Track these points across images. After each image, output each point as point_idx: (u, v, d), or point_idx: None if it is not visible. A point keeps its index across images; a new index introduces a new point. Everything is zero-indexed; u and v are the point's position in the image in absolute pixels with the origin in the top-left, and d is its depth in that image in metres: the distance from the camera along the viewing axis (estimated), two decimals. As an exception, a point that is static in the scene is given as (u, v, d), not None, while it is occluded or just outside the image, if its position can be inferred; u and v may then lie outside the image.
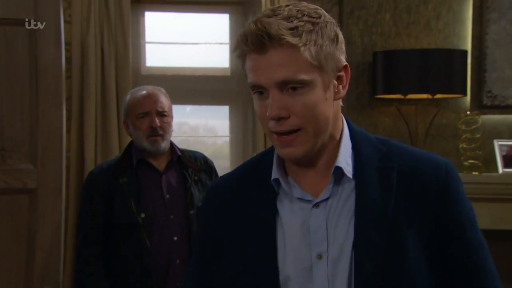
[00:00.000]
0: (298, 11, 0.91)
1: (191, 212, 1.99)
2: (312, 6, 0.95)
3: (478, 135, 2.82)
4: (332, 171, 0.96)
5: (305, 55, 0.90)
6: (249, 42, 0.91)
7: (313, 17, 0.92)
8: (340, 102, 0.99)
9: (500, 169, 2.81)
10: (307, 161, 0.96)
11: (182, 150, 2.10)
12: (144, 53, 3.05)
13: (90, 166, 2.71)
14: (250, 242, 0.97)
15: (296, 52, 0.90)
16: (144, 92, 2.03)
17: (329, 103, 0.94)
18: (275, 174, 0.98)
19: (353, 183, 0.96)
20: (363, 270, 0.91)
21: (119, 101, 2.76)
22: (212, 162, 2.18)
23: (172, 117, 2.07)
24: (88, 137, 2.72)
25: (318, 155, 0.96)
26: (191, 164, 2.07)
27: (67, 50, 2.68)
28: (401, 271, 0.92)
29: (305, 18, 0.91)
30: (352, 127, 1.01)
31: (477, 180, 2.73)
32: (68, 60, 2.72)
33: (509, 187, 2.74)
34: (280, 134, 0.93)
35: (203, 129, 3.26)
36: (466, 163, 2.81)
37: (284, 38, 0.89)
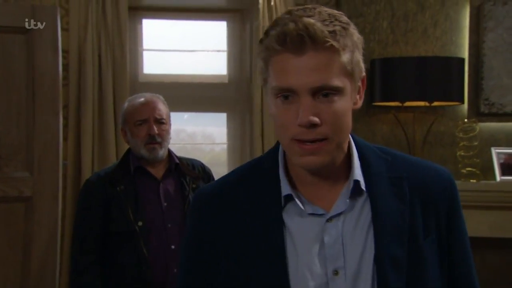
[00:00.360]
0: (329, 15, 0.88)
1: None
2: (336, 11, 0.91)
3: (475, 143, 2.82)
4: (351, 185, 0.93)
5: (343, 60, 0.87)
6: (288, 41, 0.85)
7: (344, 22, 0.89)
8: None
9: (498, 177, 2.81)
10: (322, 173, 0.93)
11: (180, 158, 2.09)
12: (142, 61, 3.05)
13: (87, 173, 2.70)
14: (255, 256, 0.92)
15: (335, 56, 0.86)
16: (142, 99, 2.02)
17: (351, 113, 0.92)
18: (286, 189, 0.94)
19: (365, 195, 0.94)
20: (388, 284, 0.89)
21: (116, 109, 2.76)
22: (210, 170, 2.17)
23: (170, 124, 2.06)
24: (85, 145, 2.71)
25: (331, 166, 0.93)
26: (189, 172, 2.06)
27: (64, 58, 2.68)
28: (424, 283, 0.92)
29: (337, 22, 0.88)
30: (356, 138, 0.99)
31: (475, 188, 2.72)
32: (66, 67, 2.72)
33: (507, 195, 2.73)
34: (303, 142, 0.88)
35: (201, 136, 3.26)
36: (464, 171, 2.81)
37: (328, 41, 0.85)
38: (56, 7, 1.92)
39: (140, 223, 1.92)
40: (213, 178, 2.15)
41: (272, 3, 2.87)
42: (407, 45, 2.94)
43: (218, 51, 3.13)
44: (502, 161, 2.83)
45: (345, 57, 0.87)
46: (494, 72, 2.91)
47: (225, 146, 3.15)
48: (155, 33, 3.10)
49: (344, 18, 0.90)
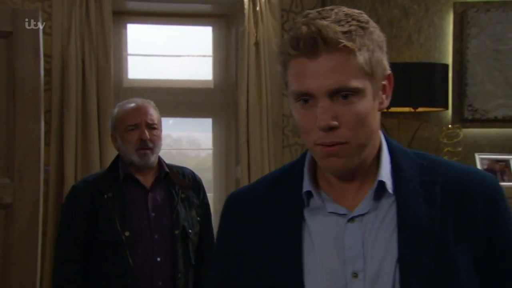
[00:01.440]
0: (346, 14, 0.87)
1: (176, 232, 1.93)
2: (356, 10, 0.90)
3: (459, 149, 2.84)
4: (375, 185, 0.90)
5: (360, 60, 0.85)
6: (301, 45, 0.85)
7: (362, 22, 0.87)
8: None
9: (482, 182, 2.83)
10: (348, 174, 0.91)
11: (170, 166, 2.05)
12: (126, 65, 3.03)
13: (70, 180, 2.66)
14: (273, 254, 0.91)
15: (351, 57, 0.85)
16: (134, 104, 1.99)
17: (375, 113, 0.90)
18: (307, 186, 0.93)
19: (392, 198, 0.91)
20: None
21: (100, 114, 2.73)
22: (200, 179, 2.12)
23: (161, 130, 2.02)
24: (68, 151, 2.67)
25: (358, 168, 0.91)
26: (179, 181, 2.01)
27: (47, 62, 2.64)
28: None
29: (354, 22, 0.86)
30: (389, 141, 0.96)
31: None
32: (48, 72, 2.68)
33: (491, 200, 2.75)
34: (325, 145, 0.87)
35: (186, 142, 3.24)
36: (448, 176, 2.82)
37: (341, 42, 0.84)
38: (38, 11, 1.89)
39: (127, 233, 1.88)
40: (203, 188, 2.12)
41: (258, 8, 2.87)
42: (392, 51, 2.95)
43: (204, 56, 3.12)
44: (485, 166, 2.85)
45: (362, 57, 0.85)
46: (478, 78, 2.94)
47: (210, 151, 3.13)
48: (140, 38, 3.08)
49: (364, 17, 0.89)
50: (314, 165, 0.95)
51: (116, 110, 2.02)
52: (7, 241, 1.82)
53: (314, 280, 0.89)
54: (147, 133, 1.93)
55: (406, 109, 2.82)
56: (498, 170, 2.85)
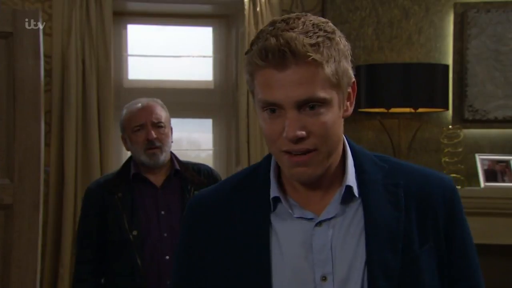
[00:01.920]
0: (313, 25, 0.87)
1: None
2: (322, 19, 0.90)
3: (460, 149, 2.84)
4: (342, 190, 0.92)
5: (327, 72, 0.87)
6: (269, 57, 0.85)
7: (328, 32, 0.88)
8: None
9: (482, 183, 2.83)
10: (314, 181, 0.92)
11: (184, 163, 2.03)
12: (127, 66, 3.03)
13: (70, 180, 2.66)
14: (240, 258, 0.92)
15: (319, 69, 0.86)
16: (139, 104, 1.98)
17: (341, 121, 0.92)
18: (274, 192, 0.94)
19: (358, 202, 0.93)
20: None
21: (100, 115, 2.73)
22: (218, 175, 2.10)
23: (170, 128, 2.00)
24: (68, 151, 2.67)
25: (324, 174, 0.92)
26: (192, 177, 2.00)
27: (47, 63, 2.65)
28: None
29: (321, 33, 0.87)
30: (352, 145, 0.98)
31: (459, 194, 2.73)
32: (49, 73, 2.68)
33: (491, 201, 2.75)
34: (292, 154, 0.88)
35: (186, 142, 3.23)
36: (448, 177, 2.82)
37: (310, 55, 0.85)
38: (38, 11, 1.89)
39: (134, 232, 1.88)
40: None
41: (258, 9, 2.87)
42: (392, 52, 2.95)
43: (204, 56, 3.12)
44: (486, 167, 2.85)
45: (329, 69, 0.87)
46: (478, 79, 2.93)
47: (210, 152, 3.13)
48: (140, 39, 3.08)
49: (330, 27, 0.89)
50: (279, 170, 0.96)
51: (123, 112, 2.02)
52: (7, 241, 1.82)
53: (282, 284, 0.90)
54: (153, 132, 1.92)
55: (407, 110, 2.81)
56: (498, 170, 2.85)
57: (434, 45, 2.96)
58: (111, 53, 2.76)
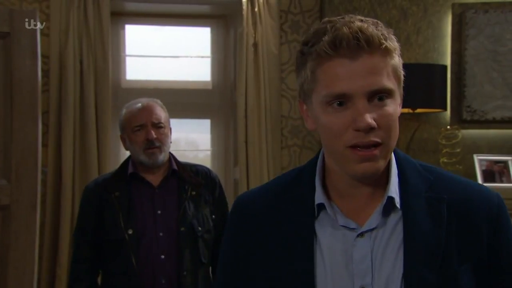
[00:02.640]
0: (372, 21, 0.88)
1: (182, 229, 1.92)
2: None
3: (458, 150, 2.84)
4: (384, 201, 0.91)
5: (395, 62, 0.88)
6: (343, 45, 0.84)
7: (386, 28, 0.90)
8: None
9: (480, 183, 2.84)
10: (364, 184, 0.91)
11: (183, 164, 2.04)
12: (124, 66, 3.02)
13: (67, 181, 2.66)
14: (285, 264, 0.92)
15: (388, 59, 0.87)
16: (139, 104, 1.99)
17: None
18: (320, 198, 0.93)
19: (399, 213, 0.91)
20: None
21: (98, 115, 2.72)
22: (216, 176, 2.10)
23: (170, 128, 2.01)
24: (66, 152, 2.67)
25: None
26: (190, 178, 2.00)
27: (45, 63, 2.64)
28: None
29: (382, 27, 0.88)
30: (397, 152, 0.95)
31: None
32: (46, 73, 2.68)
33: (489, 201, 2.75)
34: (358, 149, 0.86)
35: (184, 143, 3.23)
36: (446, 177, 2.82)
37: (383, 43, 0.85)
38: (36, 12, 1.89)
39: (130, 231, 1.89)
40: (220, 184, 2.11)
41: (256, 9, 2.86)
42: (390, 52, 2.95)
43: (202, 57, 3.12)
44: (484, 168, 2.85)
45: (396, 59, 0.88)
46: (476, 79, 2.94)
47: (208, 152, 3.13)
48: (138, 39, 3.08)
49: (384, 25, 0.91)
50: (324, 174, 0.95)
51: (123, 111, 2.02)
52: (4, 242, 1.81)
53: None
54: (153, 132, 1.93)
55: (405, 110, 2.81)
56: (496, 171, 2.85)
57: (432, 45, 2.96)
58: (109, 53, 2.75)
